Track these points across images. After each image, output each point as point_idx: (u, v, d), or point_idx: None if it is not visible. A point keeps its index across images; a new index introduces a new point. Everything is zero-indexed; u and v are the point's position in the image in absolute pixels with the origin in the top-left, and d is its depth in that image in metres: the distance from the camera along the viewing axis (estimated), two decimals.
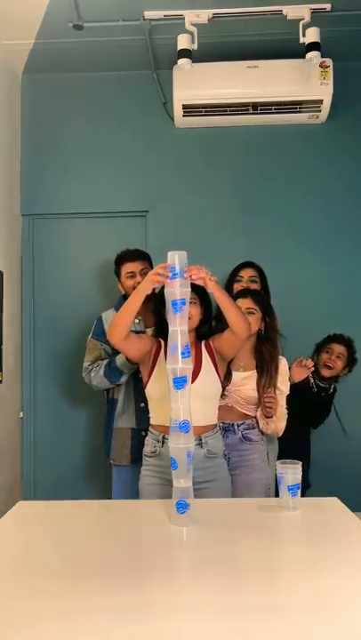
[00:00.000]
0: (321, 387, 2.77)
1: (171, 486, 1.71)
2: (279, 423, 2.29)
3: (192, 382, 1.80)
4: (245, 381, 2.30)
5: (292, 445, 2.51)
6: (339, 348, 2.77)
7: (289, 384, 2.37)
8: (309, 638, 1.05)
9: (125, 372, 2.40)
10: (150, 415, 2.16)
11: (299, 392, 2.48)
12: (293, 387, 2.43)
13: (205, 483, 2.00)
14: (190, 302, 1.89)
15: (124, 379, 2.43)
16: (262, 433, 2.32)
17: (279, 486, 1.79)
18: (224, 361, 2.17)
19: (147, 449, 2.14)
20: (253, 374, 2.31)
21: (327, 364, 2.75)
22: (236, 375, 2.30)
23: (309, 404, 2.70)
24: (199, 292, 2.05)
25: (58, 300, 3.30)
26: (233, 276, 2.68)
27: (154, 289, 1.96)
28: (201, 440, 2.04)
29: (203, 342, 2.15)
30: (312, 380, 2.73)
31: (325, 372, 2.74)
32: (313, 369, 2.60)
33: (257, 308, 2.33)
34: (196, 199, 3.23)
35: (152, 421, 2.15)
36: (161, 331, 2.11)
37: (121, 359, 2.36)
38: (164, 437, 2.04)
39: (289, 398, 2.35)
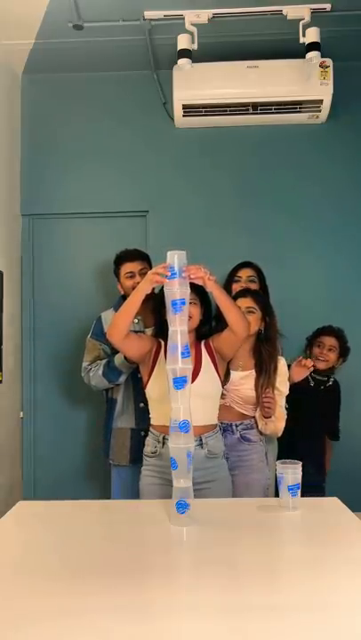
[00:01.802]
0: (318, 380, 2.77)
1: (171, 486, 1.70)
2: (278, 423, 2.29)
3: (192, 382, 1.80)
4: (243, 381, 2.30)
5: (293, 446, 2.51)
6: (330, 341, 2.77)
7: (288, 384, 2.37)
8: (309, 638, 1.05)
9: (124, 372, 2.41)
10: (151, 416, 2.16)
11: (297, 389, 2.47)
12: (293, 386, 2.42)
13: (206, 483, 2.00)
14: (190, 302, 1.90)
15: (122, 378, 2.43)
16: (261, 433, 2.32)
17: (279, 486, 1.79)
18: (224, 360, 2.17)
19: (147, 449, 2.14)
20: (252, 374, 2.31)
21: (319, 358, 2.75)
22: (234, 375, 2.30)
23: (311, 400, 2.68)
24: (199, 292, 2.05)
25: (58, 299, 3.30)
26: (231, 277, 2.67)
27: (153, 288, 1.96)
28: (202, 440, 2.04)
29: (202, 342, 2.15)
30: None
31: (320, 365, 2.75)
32: (312, 368, 2.60)
33: (257, 307, 2.34)
34: (196, 199, 3.23)
35: (152, 422, 2.15)
36: (161, 331, 2.11)
37: (119, 359, 2.36)
38: (164, 438, 2.04)
39: (291, 398, 2.35)
